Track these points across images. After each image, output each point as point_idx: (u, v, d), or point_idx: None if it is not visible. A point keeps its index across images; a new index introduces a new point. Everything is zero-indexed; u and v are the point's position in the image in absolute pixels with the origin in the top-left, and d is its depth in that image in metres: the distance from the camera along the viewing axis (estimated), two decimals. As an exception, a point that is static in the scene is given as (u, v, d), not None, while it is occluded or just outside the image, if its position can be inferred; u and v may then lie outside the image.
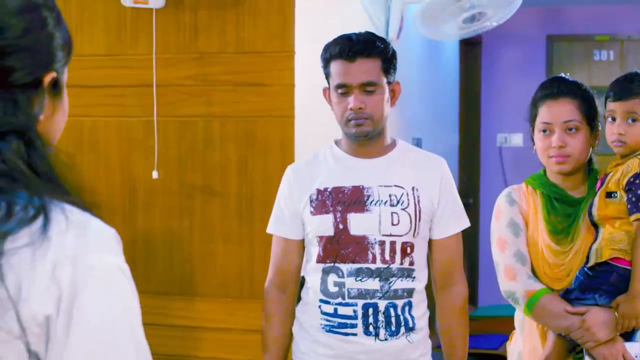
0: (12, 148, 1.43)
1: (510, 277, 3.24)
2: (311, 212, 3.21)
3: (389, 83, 3.20)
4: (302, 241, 3.30)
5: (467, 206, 3.56)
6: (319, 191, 3.22)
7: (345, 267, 3.15)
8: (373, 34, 3.24)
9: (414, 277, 3.19)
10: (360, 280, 3.14)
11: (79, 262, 1.39)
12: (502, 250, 3.27)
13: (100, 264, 1.42)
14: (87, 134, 4.32)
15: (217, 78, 4.13)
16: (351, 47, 3.13)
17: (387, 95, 3.18)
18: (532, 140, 3.34)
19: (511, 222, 3.28)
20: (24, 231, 1.37)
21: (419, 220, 3.18)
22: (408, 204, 3.17)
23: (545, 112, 3.24)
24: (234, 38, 4.11)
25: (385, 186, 3.18)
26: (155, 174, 4.17)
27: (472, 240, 8.59)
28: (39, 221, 1.38)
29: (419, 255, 3.22)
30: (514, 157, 9.07)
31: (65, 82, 1.62)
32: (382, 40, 3.22)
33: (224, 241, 4.15)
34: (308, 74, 4.12)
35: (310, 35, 4.18)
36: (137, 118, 4.23)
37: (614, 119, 3.16)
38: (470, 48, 9.03)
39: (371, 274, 3.14)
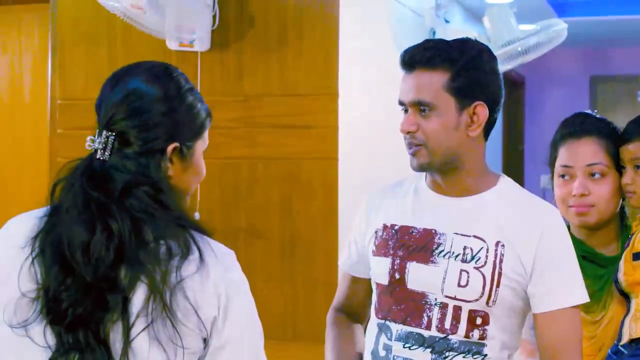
0: (148, 194, 1.94)
1: (528, 354, 2.75)
2: (373, 252, 2.61)
3: (462, 105, 2.45)
4: (370, 280, 2.68)
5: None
6: (385, 227, 2.59)
7: (395, 328, 2.51)
8: (459, 40, 2.53)
9: (485, 357, 2.45)
10: (409, 348, 2.48)
11: (227, 279, 1.97)
12: None
13: (238, 278, 2.02)
14: (132, 176, 4.34)
15: (262, 120, 4.15)
16: (412, 54, 2.48)
17: (452, 119, 2.44)
18: (552, 188, 2.87)
19: None
20: (188, 262, 1.90)
21: (497, 286, 2.42)
22: (485, 262, 2.43)
23: (565, 154, 2.76)
24: (278, 80, 4.13)
25: (462, 235, 2.47)
26: (197, 215, 4.18)
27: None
28: (196, 253, 1.92)
29: (499, 331, 2.46)
30: (558, 199, 9.01)
31: (205, 146, 2.11)
32: (462, 48, 2.48)
33: (267, 282, 4.15)
34: (352, 116, 4.13)
35: (354, 77, 4.19)
36: (181, 159, 4.25)
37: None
38: (514, 88, 9.03)
39: (422, 342, 2.47)
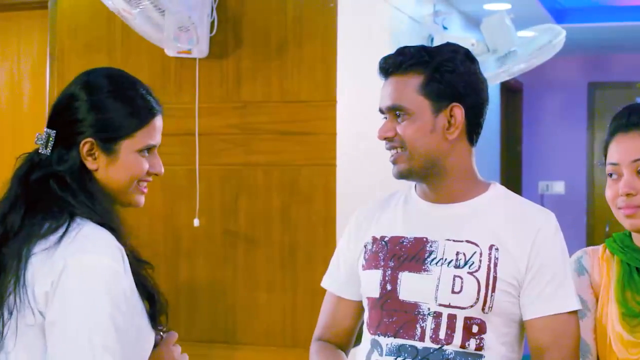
0: (58, 184, 2.14)
1: None
2: (362, 266, 2.50)
3: (437, 107, 2.39)
4: (360, 303, 2.56)
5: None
6: (374, 240, 2.50)
7: (384, 342, 2.39)
8: (437, 45, 2.51)
9: None
10: None
11: (73, 259, 2.02)
12: None
13: (88, 262, 2.03)
14: (131, 182, 4.35)
15: (260, 127, 4.16)
16: (386, 61, 2.48)
17: (428, 122, 2.38)
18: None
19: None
20: (46, 240, 2.06)
21: (493, 291, 2.32)
22: (479, 267, 2.34)
23: (613, 150, 2.41)
24: (277, 87, 4.13)
25: (454, 241, 2.39)
26: (196, 222, 4.19)
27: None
28: (58, 234, 2.05)
29: (497, 341, 2.35)
30: (556, 205, 9.00)
31: (140, 147, 2.21)
32: (436, 51, 2.44)
33: (267, 289, 4.15)
34: (350, 123, 4.14)
35: (353, 85, 4.20)
36: (180, 166, 4.26)
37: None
38: (511, 95, 9.03)
39: (415, 354, 2.34)
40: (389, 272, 2.41)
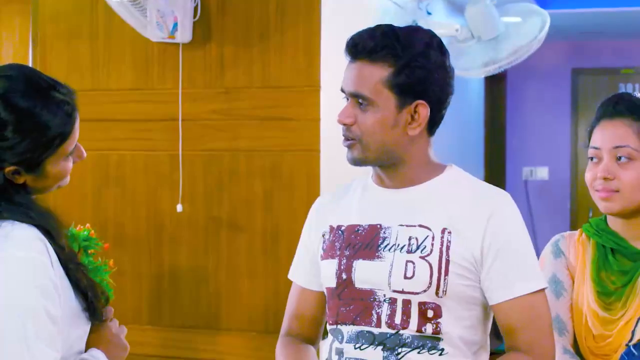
0: None
1: None
2: (321, 256, 2.48)
3: (402, 103, 2.32)
4: (324, 293, 2.52)
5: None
6: (331, 229, 2.47)
7: (345, 330, 2.38)
8: (409, 30, 2.38)
9: (442, 352, 2.31)
10: (359, 348, 2.34)
11: None
12: None
13: (6, 255, 2.03)
14: (114, 168, 4.34)
15: (243, 112, 4.15)
16: (356, 42, 2.37)
17: (391, 116, 2.33)
18: None
19: (553, 278, 2.59)
20: None
21: (446, 274, 2.29)
22: (431, 250, 2.31)
23: (597, 135, 2.54)
24: (260, 73, 4.13)
25: (407, 226, 2.35)
26: (179, 207, 4.18)
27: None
28: None
29: (455, 324, 2.33)
30: (539, 191, 9.04)
31: (65, 155, 2.17)
32: (409, 41, 2.33)
33: (249, 275, 4.15)
34: (334, 109, 4.11)
35: (336, 71, 4.19)
36: (163, 152, 4.26)
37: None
38: (495, 82, 9.04)
39: (372, 340, 2.33)
40: (344, 261, 2.38)
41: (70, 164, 2.22)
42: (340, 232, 2.44)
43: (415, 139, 2.37)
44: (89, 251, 3.57)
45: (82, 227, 3.62)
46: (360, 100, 2.33)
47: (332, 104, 4.09)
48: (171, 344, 4.23)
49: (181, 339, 4.22)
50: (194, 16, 4.14)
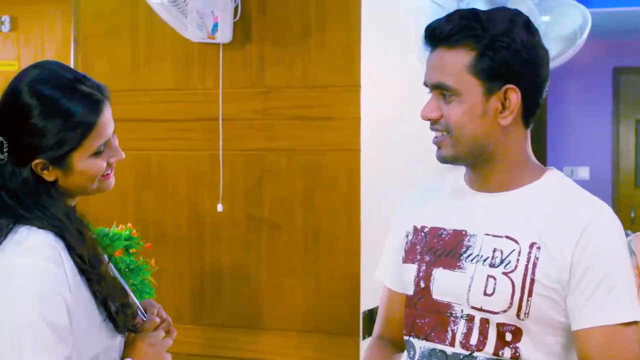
0: (9, 196, 2.13)
1: None
2: (403, 259, 2.31)
3: (489, 89, 2.11)
4: None
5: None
6: (415, 230, 2.30)
7: (418, 345, 2.21)
8: (490, 11, 2.16)
9: None
10: None
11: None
12: None
13: (8, 263, 2.02)
14: (155, 168, 4.36)
15: (283, 112, 4.15)
16: (433, 29, 2.16)
17: (478, 105, 2.12)
18: None
19: None
20: None
21: (529, 295, 2.06)
22: (515, 267, 2.08)
23: None
24: (300, 72, 4.13)
25: (492, 236, 2.14)
26: (220, 207, 4.19)
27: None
28: None
29: (536, 350, 2.10)
30: (580, 191, 8.97)
31: (93, 151, 2.15)
32: (490, 20, 2.12)
33: (289, 274, 4.15)
34: (374, 108, 4.12)
35: (376, 70, 4.18)
36: (203, 152, 4.27)
37: None
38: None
39: None
40: (424, 267, 2.21)
41: (102, 163, 2.19)
42: (422, 234, 2.26)
43: (509, 131, 2.15)
44: (131, 250, 3.60)
45: (123, 226, 3.65)
46: (443, 92, 2.13)
47: (372, 103, 4.09)
48: (212, 343, 4.24)
49: (222, 338, 4.23)
50: (235, 16, 4.15)
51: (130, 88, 4.36)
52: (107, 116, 2.17)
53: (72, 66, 4.51)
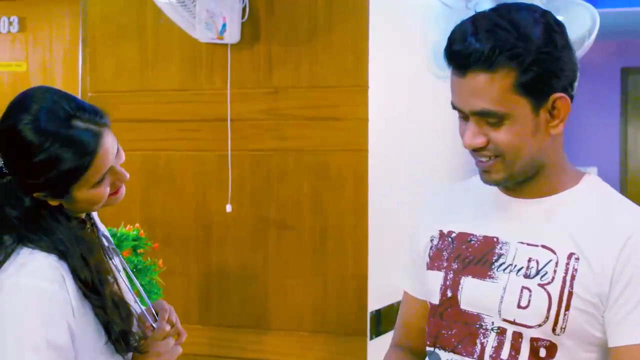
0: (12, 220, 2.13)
1: None
2: (427, 264, 2.19)
3: (538, 103, 1.96)
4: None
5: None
6: (441, 234, 2.18)
7: (444, 357, 2.10)
8: (516, 20, 1.93)
9: None
10: None
11: (2, 282, 2.04)
12: None
13: (8, 282, 2.04)
14: (162, 168, 4.36)
15: (291, 112, 4.15)
16: (461, 52, 1.93)
17: (529, 123, 1.96)
18: None
19: None
20: None
21: (567, 309, 1.94)
22: (552, 278, 1.96)
23: None
24: (308, 73, 4.12)
25: (527, 244, 2.02)
26: (229, 208, 4.19)
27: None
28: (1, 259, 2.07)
29: None
30: (588, 191, 8.96)
31: (94, 182, 2.16)
32: (525, 33, 1.91)
33: (297, 275, 4.15)
34: (382, 108, 4.12)
35: (384, 70, 4.18)
36: (211, 152, 4.27)
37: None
38: (543, 81, 9.00)
39: None
40: (451, 275, 2.09)
41: (104, 190, 2.20)
42: (449, 239, 2.14)
43: (556, 137, 2.04)
44: (139, 251, 3.60)
45: (131, 227, 3.65)
46: (489, 119, 1.95)
47: (380, 103, 4.09)
48: (219, 343, 4.24)
49: (229, 338, 4.23)
50: (242, 17, 4.14)
51: (138, 88, 4.36)
52: (107, 146, 2.14)
53: (80, 66, 4.54)
